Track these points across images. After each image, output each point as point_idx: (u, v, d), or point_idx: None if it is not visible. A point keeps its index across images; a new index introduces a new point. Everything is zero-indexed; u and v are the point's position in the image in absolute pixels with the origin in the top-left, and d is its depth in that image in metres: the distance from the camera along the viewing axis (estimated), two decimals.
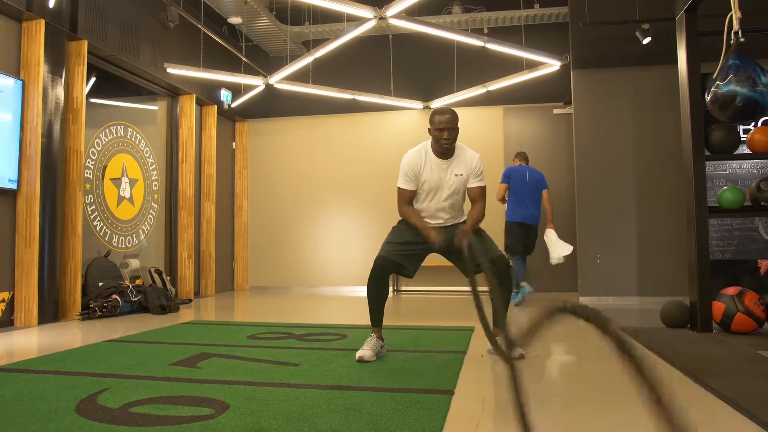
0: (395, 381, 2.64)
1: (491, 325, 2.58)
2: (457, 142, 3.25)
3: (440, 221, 3.30)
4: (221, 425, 1.98)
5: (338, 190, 8.14)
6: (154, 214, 6.78)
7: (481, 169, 3.27)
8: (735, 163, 5.77)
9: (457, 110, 3.31)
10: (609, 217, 6.31)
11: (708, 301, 4.07)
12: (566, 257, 5.86)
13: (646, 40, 5.77)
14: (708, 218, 4.16)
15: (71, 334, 4.24)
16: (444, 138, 3.13)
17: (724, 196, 4.21)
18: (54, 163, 4.86)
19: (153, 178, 6.76)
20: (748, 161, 5.70)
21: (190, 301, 6.65)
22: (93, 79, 5.77)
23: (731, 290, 4.02)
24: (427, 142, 3.28)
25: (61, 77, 4.95)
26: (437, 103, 7.54)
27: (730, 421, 2.06)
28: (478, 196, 3.27)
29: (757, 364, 3.07)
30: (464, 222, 3.32)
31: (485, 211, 3.27)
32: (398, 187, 3.27)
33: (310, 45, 7.80)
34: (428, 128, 3.24)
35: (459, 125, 3.21)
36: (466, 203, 3.34)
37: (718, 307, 4.00)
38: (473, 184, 3.25)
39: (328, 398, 2.33)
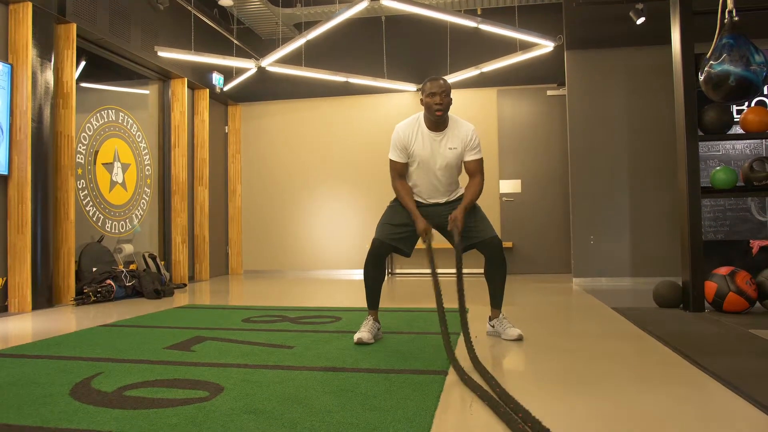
0: (389, 362, 2.66)
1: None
2: (451, 114, 3.15)
3: (436, 200, 3.23)
4: (216, 407, 1.99)
5: (332, 173, 8.12)
6: (147, 198, 6.75)
7: (477, 141, 3.16)
8: (728, 144, 5.78)
9: (451, 92, 3.23)
10: (602, 198, 6.32)
11: (700, 281, 4.10)
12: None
13: (640, 20, 5.74)
14: (701, 199, 4.18)
15: (65, 320, 4.24)
16: (436, 103, 3.02)
17: (717, 176, 4.22)
18: (45, 148, 4.82)
19: (145, 162, 6.72)
20: (741, 141, 5.71)
21: (185, 285, 6.64)
22: (83, 63, 5.70)
23: (723, 270, 4.05)
24: (420, 113, 3.18)
25: (50, 61, 4.89)
26: None
27: (721, 399, 2.08)
28: (476, 169, 3.17)
29: (748, 342, 3.09)
30: (462, 197, 3.26)
31: (483, 185, 3.18)
32: (390, 159, 3.21)
33: (302, 27, 7.75)
34: (420, 98, 3.14)
35: (452, 108, 3.16)
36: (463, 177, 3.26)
37: (711, 287, 4.03)
38: (469, 157, 3.15)
39: (323, 380, 2.34)
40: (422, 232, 3.08)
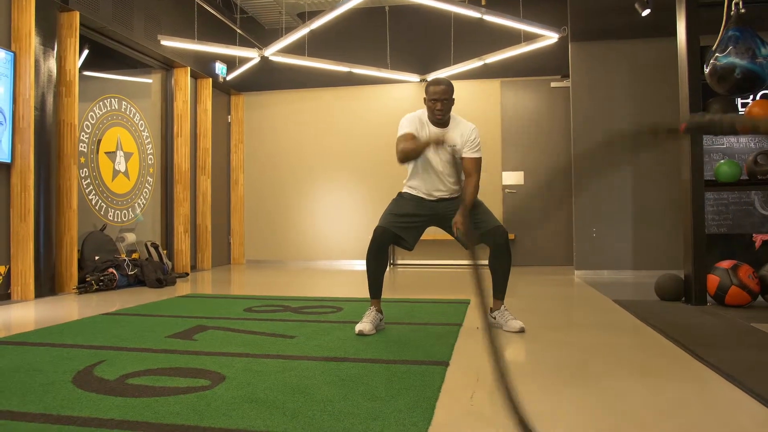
0: (391, 353, 2.66)
1: (487, 297, 2.60)
2: (453, 113, 3.23)
3: (441, 195, 3.24)
4: (217, 396, 2.00)
5: (334, 164, 8.11)
6: (150, 187, 6.75)
7: (477, 140, 3.21)
8: (732, 137, 5.75)
9: (454, 83, 3.27)
10: (605, 190, 6.30)
11: (703, 274, 4.09)
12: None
13: (645, 12, 5.70)
14: (704, 192, 4.16)
15: (68, 308, 4.25)
16: (437, 109, 3.14)
17: (721, 169, 4.20)
18: (48, 137, 4.82)
19: (148, 151, 6.71)
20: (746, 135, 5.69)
21: (187, 274, 6.66)
22: (86, 52, 5.69)
23: (726, 264, 4.04)
24: (423, 110, 3.25)
25: (53, 49, 4.88)
26: (434, 76, 7.47)
27: (722, 392, 2.09)
28: (473, 168, 3.18)
29: (750, 336, 3.09)
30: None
31: (479, 184, 3.20)
32: (399, 136, 3.14)
33: (305, 17, 7.70)
34: (424, 98, 3.23)
35: (455, 97, 3.19)
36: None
37: (713, 281, 4.03)
38: (467, 155, 3.18)
39: (324, 369, 2.35)
40: (437, 140, 2.95)
